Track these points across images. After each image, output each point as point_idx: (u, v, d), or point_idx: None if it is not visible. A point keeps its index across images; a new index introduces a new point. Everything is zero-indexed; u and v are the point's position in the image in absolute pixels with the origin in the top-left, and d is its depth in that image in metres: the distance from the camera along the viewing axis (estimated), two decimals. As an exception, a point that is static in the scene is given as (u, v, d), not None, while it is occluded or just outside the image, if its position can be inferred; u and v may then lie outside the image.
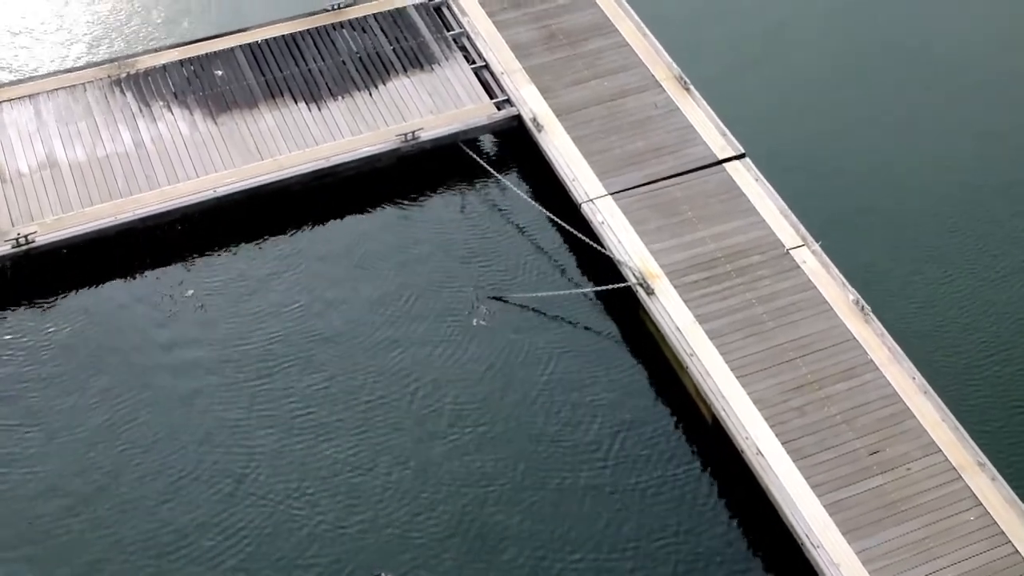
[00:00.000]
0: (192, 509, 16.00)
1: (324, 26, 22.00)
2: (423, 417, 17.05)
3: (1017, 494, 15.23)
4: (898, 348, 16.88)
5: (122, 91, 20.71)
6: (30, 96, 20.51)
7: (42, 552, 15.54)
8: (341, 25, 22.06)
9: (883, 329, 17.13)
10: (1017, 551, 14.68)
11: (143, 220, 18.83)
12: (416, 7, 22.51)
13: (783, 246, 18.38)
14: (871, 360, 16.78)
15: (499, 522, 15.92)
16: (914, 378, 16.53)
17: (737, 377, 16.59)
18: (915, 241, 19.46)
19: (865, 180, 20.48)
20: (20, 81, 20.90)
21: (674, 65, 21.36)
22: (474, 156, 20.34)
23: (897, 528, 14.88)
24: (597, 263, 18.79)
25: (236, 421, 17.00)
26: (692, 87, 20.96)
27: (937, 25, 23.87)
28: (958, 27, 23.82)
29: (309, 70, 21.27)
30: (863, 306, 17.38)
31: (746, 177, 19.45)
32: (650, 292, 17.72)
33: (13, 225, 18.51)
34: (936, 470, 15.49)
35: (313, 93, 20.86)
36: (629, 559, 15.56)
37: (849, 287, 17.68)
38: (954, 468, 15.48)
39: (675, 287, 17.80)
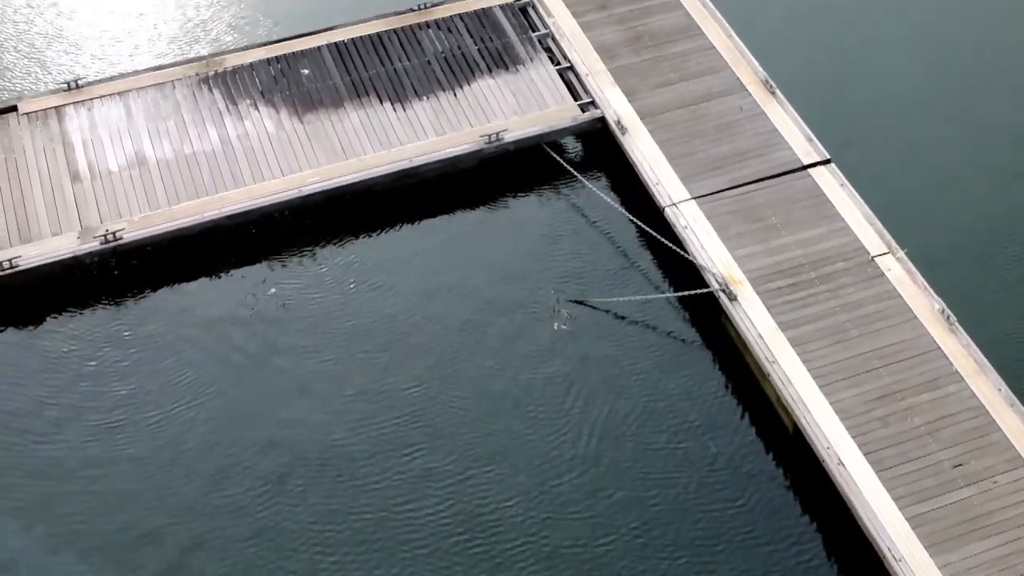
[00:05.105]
0: (269, 510, 16.25)
1: (410, 26, 22.07)
2: (506, 419, 17.11)
3: (1106, 511, 14.97)
4: (984, 359, 16.63)
5: (210, 89, 20.95)
6: (120, 93, 20.78)
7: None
8: (427, 25, 22.13)
9: (969, 340, 16.87)
10: (1106, 570, 14.43)
11: (228, 218, 19.03)
12: (502, 7, 22.51)
13: (868, 253, 18.16)
14: (956, 371, 16.54)
15: (572, 522, 15.96)
16: (1000, 390, 16.28)
17: (819, 386, 16.43)
18: (1003, 250, 19.16)
19: (952, 187, 20.19)
20: (111, 78, 21.15)
21: (760, 69, 21.18)
22: (557, 158, 20.31)
23: (982, 543, 14.66)
24: (679, 268, 18.69)
25: (317, 420, 17.16)
26: (778, 91, 20.77)
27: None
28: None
29: (395, 70, 21.36)
30: (948, 316, 17.13)
31: (831, 183, 19.24)
32: (732, 298, 17.60)
33: (102, 222, 18.80)
34: (1023, 484, 15.23)
35: (398, 93, 20.95)
36: (708, 567, 15.50)
37: (935, 296, 17.43)
38: (1042, 483, 15.26)
39: (758, 293, 17.67)
